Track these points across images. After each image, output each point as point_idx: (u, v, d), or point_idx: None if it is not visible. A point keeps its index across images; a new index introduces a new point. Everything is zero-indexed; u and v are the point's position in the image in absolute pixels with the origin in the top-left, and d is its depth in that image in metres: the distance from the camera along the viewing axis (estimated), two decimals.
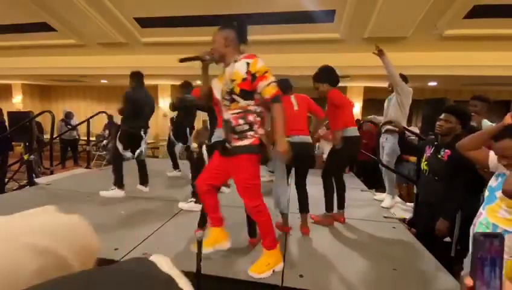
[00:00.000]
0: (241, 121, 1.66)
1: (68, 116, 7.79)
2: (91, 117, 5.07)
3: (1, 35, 6.55)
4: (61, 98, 11.44)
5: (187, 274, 0.28)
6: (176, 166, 4.26)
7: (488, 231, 1.29)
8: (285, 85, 2.38)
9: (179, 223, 2.52)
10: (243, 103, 1.65)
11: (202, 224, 2.15)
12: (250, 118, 1.67)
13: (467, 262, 1.46)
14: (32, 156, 3.81)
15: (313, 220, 2.57)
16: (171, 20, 5.39)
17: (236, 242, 2.15)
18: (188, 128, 3.92)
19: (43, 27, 6.04)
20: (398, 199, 3.53)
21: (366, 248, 2.19)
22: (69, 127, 7.33)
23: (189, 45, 6.01)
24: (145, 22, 5.61)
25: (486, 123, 2.47)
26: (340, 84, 2.58)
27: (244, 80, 1.62)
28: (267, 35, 5.42)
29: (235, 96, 1.65)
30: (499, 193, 1.32)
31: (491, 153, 1.43)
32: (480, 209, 1.44)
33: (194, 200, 2.77)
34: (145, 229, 2.32)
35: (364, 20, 4.78)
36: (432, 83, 7.23)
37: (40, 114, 4.48)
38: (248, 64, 1.62)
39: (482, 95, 2.64)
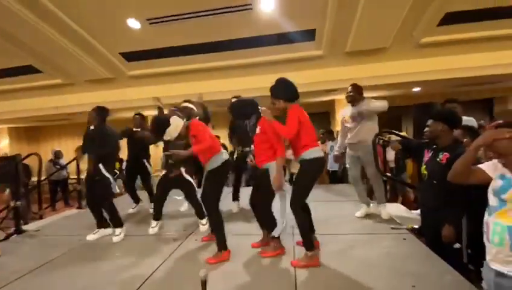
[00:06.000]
0: None
1: (58, 155, 7.63)
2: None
3: None
4: (50, 138, 11.27)
5: None
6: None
7: (506, 235, 1.22)
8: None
9: (180, 259, 2.39)
10: None
11: None
12: None
13: (485, 273, 1.37)
14: (18, 202, 3.64)
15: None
16: (154, 52, 5.50)
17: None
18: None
19: (29, 69, 6.06)
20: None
21: (379, 264, 2.09)
22: (58, 167, 7.15)
23: (173, 74, 6.13)
24: (130, 56, 5.70)
25: (464, 118, 2.43)
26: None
27: None
28: (249, 58, 5.53)
29: None
30: (504, 195, 1.24)
31: (483, 166, 1.38)
32: (486, 216, 1.33)
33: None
34: (145, 269, 2.19)
35: (345, 35, 4.95)
36: (416, 89, 7.43)
37: (26, 157, 4.34)
38: None
39: (452, 98, 2.85)
